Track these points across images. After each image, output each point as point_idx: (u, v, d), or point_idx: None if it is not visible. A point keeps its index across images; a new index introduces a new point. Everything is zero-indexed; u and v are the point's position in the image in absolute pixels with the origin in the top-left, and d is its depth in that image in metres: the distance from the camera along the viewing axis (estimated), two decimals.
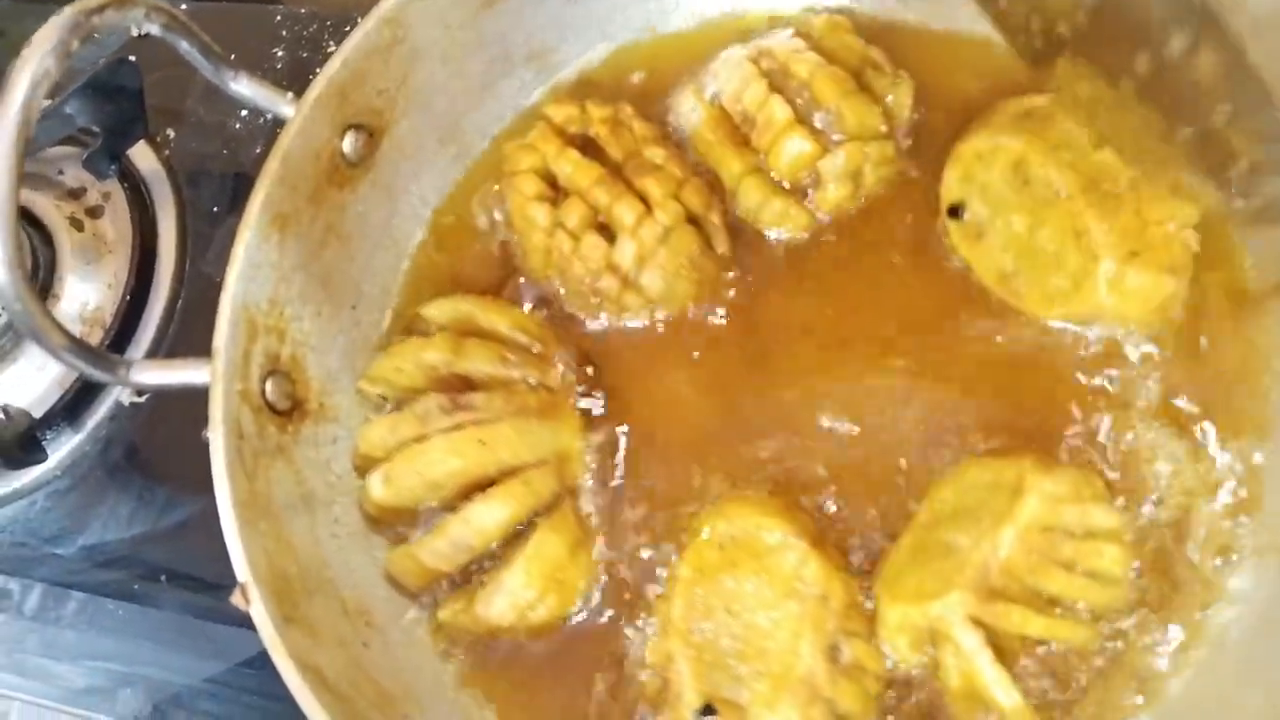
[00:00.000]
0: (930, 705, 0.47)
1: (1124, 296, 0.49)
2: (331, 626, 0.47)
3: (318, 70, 0.81)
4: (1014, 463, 0.47)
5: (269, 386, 0.50)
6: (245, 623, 0.45)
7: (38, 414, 0.71)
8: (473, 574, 0.50)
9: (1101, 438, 0.49)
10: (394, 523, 0.52)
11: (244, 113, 0.80)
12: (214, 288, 0.73)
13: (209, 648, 0.66)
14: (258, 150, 0.79)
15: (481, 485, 0.49)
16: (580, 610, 0.50)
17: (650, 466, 0.53)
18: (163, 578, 0.68)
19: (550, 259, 0.54)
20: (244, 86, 0.53)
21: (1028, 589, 0.45)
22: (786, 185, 0.55)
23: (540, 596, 0.48)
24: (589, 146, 0.55)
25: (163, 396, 0.72)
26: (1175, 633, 0.46)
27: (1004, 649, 0.45)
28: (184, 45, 0.50)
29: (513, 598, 0.48)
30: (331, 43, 0.83)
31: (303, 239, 0.53)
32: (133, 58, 0.77)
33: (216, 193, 0.79)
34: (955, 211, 0.53)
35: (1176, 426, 0.49)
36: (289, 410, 0.51)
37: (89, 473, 0.72)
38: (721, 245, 0.54)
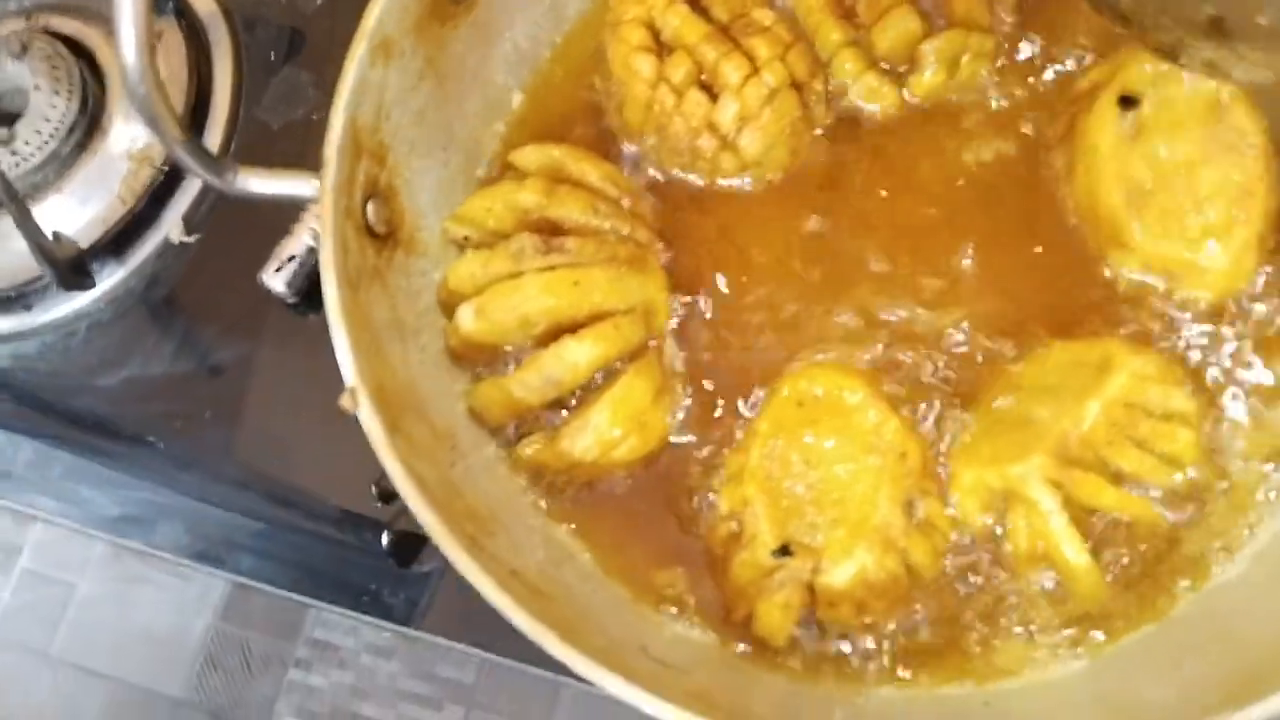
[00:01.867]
0: (987, 566, 0.50)
1: (1238, 267, 0.49)
2: (423, 442, 0.48)
3: None
4: (1101, 343, 0.49)
5: (369, 208, 0.50)
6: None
7: (84, 245, 0.70)
8: (553, 413, 0.51)
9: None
10: (476, 359, 0.53)
11: None
12: (269, 135, 0.74)
13: (253, 486, 0.66)
14: (317, 2, 0.78)
15: (568, 328, 0.50)
16: (661, 452, 0.51)
17: (729, 331, 0.55)
18: (207, 414, 0.68)
19: (650, 113, 0.55)
20: None
21: (1102, 462, 0.47)
22: (884, 65, 0.56)
23: (624, 436, 0.49)
24: (695, 4, 0.55)
25: (213, 238, 0.71)
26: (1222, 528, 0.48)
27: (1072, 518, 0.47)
28: None
29: (598, 434, 0.49)
30: None
31: (404, 71, 0.53)
32: None
33: (273, 41, 0.78)
34: (1129, 101, 0.50)
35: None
36: (385, 235, 0.51)
37: (132, 308, 0.71)
38: (822, 114, 0.55)
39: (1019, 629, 0.48)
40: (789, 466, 0.50)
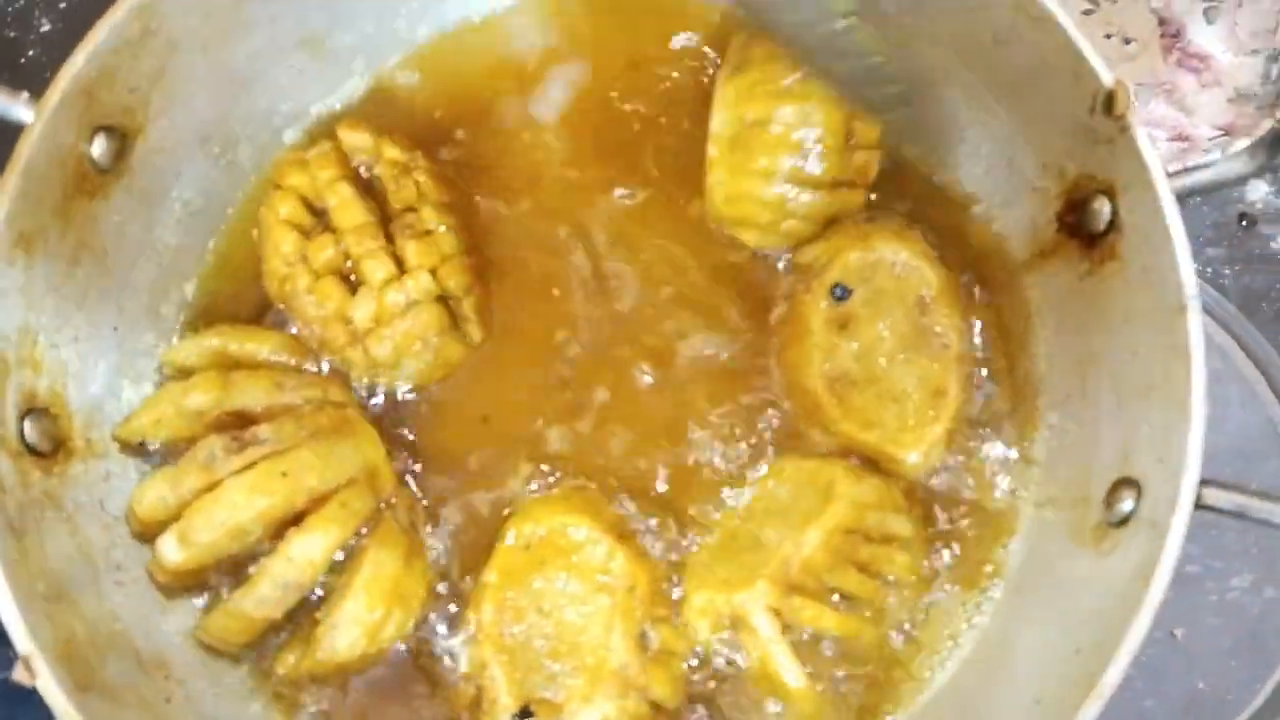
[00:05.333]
0: (730, 687, 0.51)
1: (928, 460, 0.52)
2: (128, 685, 0.43)
3: (34, 52, 0.73)
4: (829, 466, 0.51)
5: (27, 427, 0.45)
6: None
7: None
8: (300, 616, 0.48)
9: None
10: (192, 585, 0.49)
11: None
12: None
13: None
14: None
15: (291, 520, 0.47)
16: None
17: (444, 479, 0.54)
18: None
19: (283, 288, 0.52)
20: None
21: (825, 586, 0.49)
22: None
23: (386, 615, 0.47)
24: (368, 183, 0.53)
25: None
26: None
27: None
28: None
29: (360, 623, 0.46)
30: (44, 20, 0.74)
31: (52, 258, 0.47)
32: None
33: None
34: (843, 291, 0.53)
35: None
36: (52, 451, 0.46)
37: None
38: (474, 333, 0.54)
39: None
40: (524, 616, 0.50)
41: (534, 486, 0.54)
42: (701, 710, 0.50)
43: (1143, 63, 0.79)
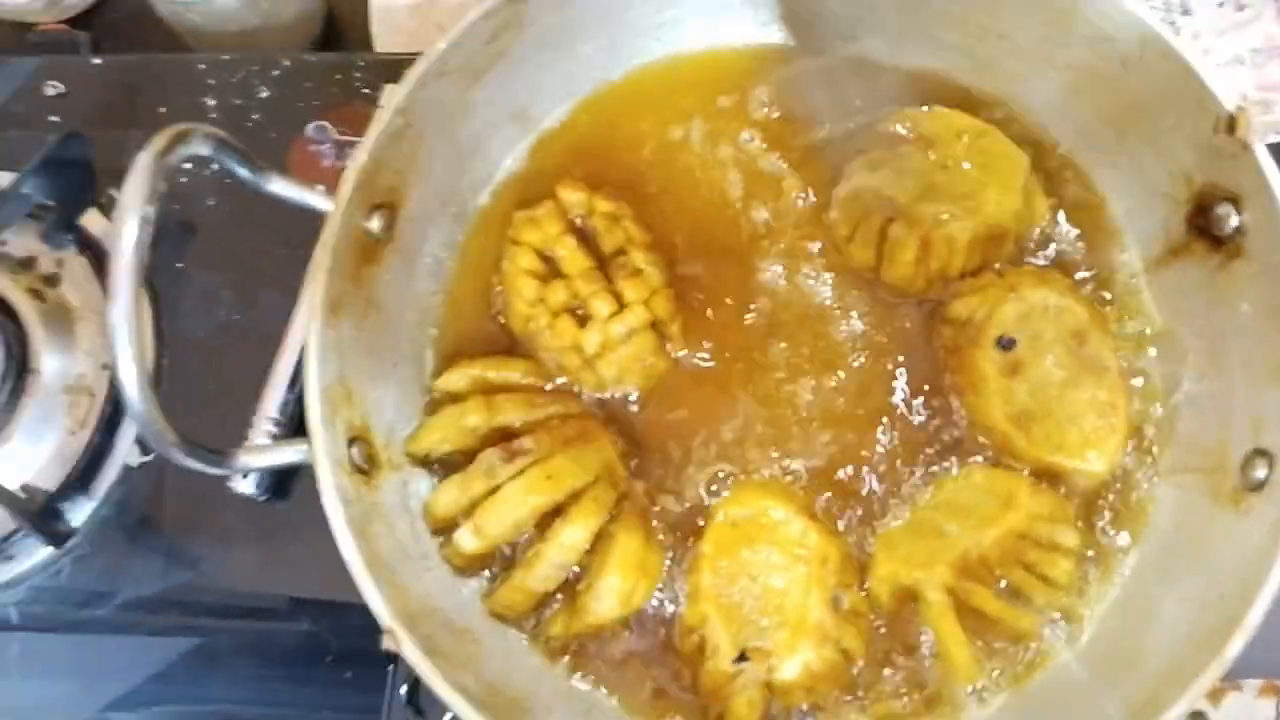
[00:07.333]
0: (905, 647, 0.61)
1: (1112, 465, 0.60)
2: (453, 650, 0.56)
3: (256, 116, 0.85)
4: (1011, 478, 0.59)
5: (354, 452, 0.57)
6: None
7: (52, 488, 0.74)
8: (565, 589, 0.60)
9: None
10: (479, 568, 0.61)
11: (188, 166, 0.83)
12: (194, 345, 0.78)
13: (274, 676, 0.73)
14: (210, 202, 0.82)
15: (553, 513, 0.59)
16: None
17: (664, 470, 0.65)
18: (206, 621, 0.73)
19: (527, 326, 0.63)
20: (278, 186, 0.58)
21: (994, 577, 0.57)
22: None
23: (635, 585, 0.58)
24: (583, 231, 0.64)
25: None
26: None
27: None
28: (228, 158, 0.55)
29: (616, 593, 0.57)
30: (263, 88, 0.86)
31: (351, 316, 0.59)
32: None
33: (176, 247, 0.81)
34: (1007, 342, 0.60)
35: None
36: (370, 469, 0.58)
37: (110, 536, 0.75)
38: (676, 347, 0.65)
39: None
40: (735, 581, 0.60)
41: (734, 474, 0.64)
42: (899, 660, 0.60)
43: (1256, 28, 0.84)
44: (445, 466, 0.63)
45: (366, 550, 0.54)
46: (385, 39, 0.90)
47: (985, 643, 0.58)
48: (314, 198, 0.58)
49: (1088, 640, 0.59)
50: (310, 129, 0.80)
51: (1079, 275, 0.64)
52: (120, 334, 0.46)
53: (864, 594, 0.60)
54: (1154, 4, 0.80)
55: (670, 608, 0.62)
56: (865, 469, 0.63)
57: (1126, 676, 0.54)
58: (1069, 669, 0.58)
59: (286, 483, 0.74)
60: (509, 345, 0.66)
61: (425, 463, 0.63)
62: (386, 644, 0.52)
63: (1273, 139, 0.72)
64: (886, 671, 0.59)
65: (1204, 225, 0.58)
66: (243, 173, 0.56)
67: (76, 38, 0.90)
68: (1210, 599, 0.52)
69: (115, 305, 0.46)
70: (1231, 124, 0.53)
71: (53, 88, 0.85)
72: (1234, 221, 0.55)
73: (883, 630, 0.61)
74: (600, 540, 0.60)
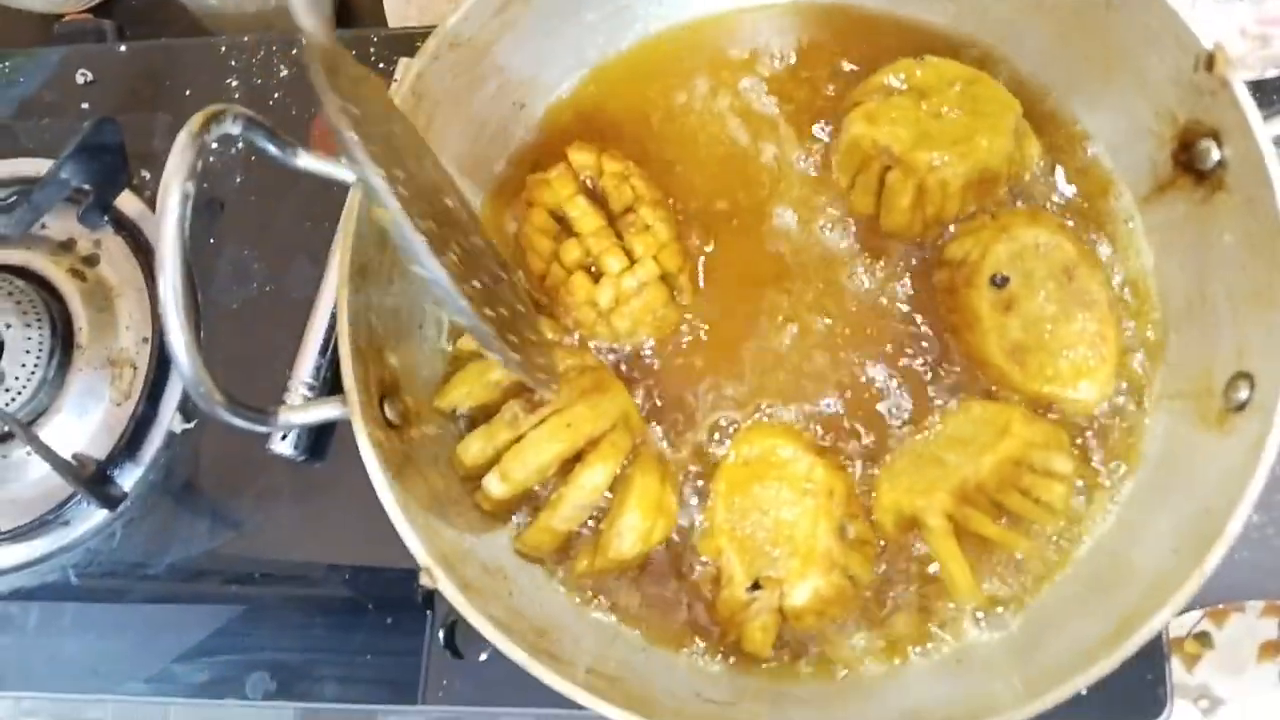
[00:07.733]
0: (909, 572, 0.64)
1: (1103, 393, 0.63)
2: (484, 585, 0.60)
3: (277, 95, 0.88)
4: (1007, 409, 0.61)
5: (386, 408, 0.61)
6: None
7: (101, 456, 0.79)
8: (588, 528, 0.64)
9: None
10: (507, 512, 0.65)
11: (215, 145, 0.86)
12: (228, 315, 0.82)
13: (319, 624, 0.77)
14: (237, 180, 0.86)
15: (573, 459, 0.62)
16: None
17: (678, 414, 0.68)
18: (256, 575, 0.78)
19: (542, 283, 0.67)
20: (305, 161, 0.61)
21: (992, 502, 0.60)
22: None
23: (653, 524, 0.62)
24: (593, 190, 0.67)
25: (208, 421, 0.80)
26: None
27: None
28: (257, 136, 0.58)
29: (636, 531, 0.61)
30: (283, 67, 0.89)
31: (378, 280, 0.63)
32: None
33: (207, 224, 0.85)
34: (1000, 280, 0.62)
35: None
36: (402, 423, 0.62)
37: (158, 500, 0.80)
38: (685, 298, 0.68)
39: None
40: (748, 516, 0.63)
41: (744, 416, 0.68)
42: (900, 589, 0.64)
43: None
44: (472, 419, 0.66)
45: (402, 496, 0.57)
46: (398, 13, 0.93)
47: (987, 565, 0.62)
48: (340, 171, 0.62)
49: (1083, 557, 0.62)
50: None
51: (1072, 216, 0.66)
52: (169, 303, 0.50)
53: (869, 523, 0.64)
54: None
55: (687, 543, 0.66)
56: (869, 408, 0.66)
57: (1118, 593, 0.57)
58: (1063, 587, 0.61)
59: (323, 444, 0.79)
60: None
61: (452, 416, 0.67)
62: (424, 580, 0.56)
63: (1272, 73, 0.74)
64: (892, 594, 0.63)
65: (1188, 161, 0.60)
66: (271, 149, 0.59)
67: (102, 26, 0.93)
68: (1196, 514, 0.55)
69: (164, 276, 0.49)
70: (1210, 61, 0.55)
71: (82, 76, 0.89)
72: (1215, 156, 0.57)
73: (887, 557, 0.64)
74: (619, 482, 0.63)
